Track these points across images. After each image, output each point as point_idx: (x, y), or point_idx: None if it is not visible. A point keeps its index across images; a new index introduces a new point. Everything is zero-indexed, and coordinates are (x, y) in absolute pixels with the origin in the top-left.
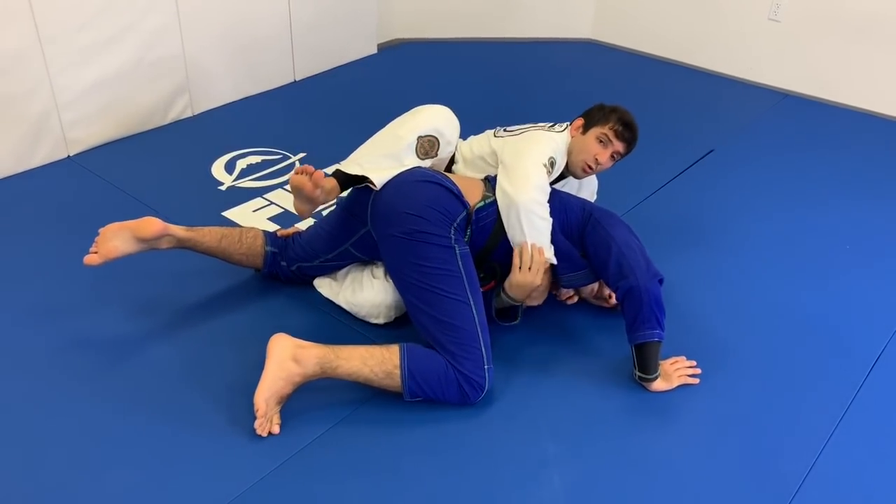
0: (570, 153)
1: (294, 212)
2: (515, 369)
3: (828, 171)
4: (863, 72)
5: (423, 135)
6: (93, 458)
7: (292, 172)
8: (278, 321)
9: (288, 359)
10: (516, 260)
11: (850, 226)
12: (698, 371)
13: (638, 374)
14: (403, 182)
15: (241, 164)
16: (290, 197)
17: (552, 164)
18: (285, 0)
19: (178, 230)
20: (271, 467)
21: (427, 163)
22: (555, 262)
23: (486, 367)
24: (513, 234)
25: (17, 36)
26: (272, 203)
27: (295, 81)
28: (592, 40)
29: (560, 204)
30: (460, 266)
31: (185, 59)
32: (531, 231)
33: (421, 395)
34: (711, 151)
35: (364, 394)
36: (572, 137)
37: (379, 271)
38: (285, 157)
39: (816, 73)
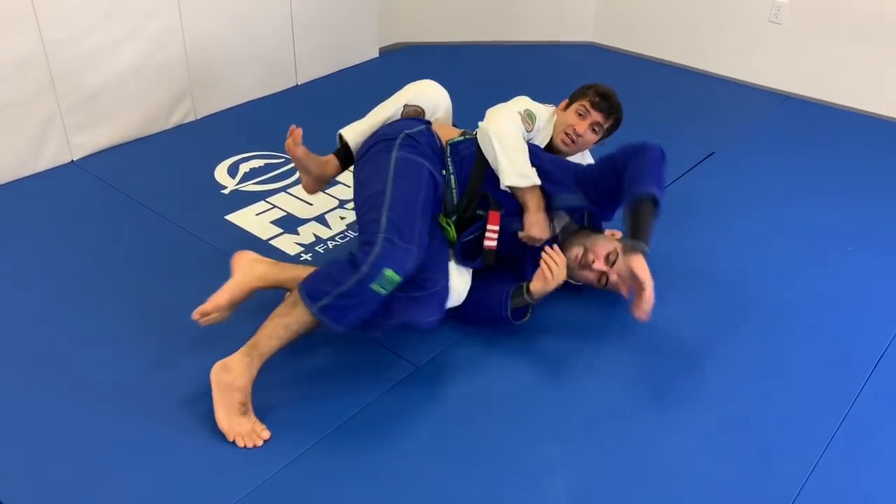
0: (554, 130)
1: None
2: (518, 369)
3: (829, 173)
4: (864, 73)
5: (409, 104)
6: (92, 464)
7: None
8: None
9: (219, 372)
10: (543, 268)
11: (852, 227)
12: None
13: (629, 241)
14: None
15: (244, 168)
16: (294, 201)
17: (529, 116)
18: (287, 4)
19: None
20: (273, 471)
21: None
22: (537, 182)
23: (380, 234)
24: (491, 161)
25: (21, 41)
26: (275, 206)
27: (297, 85)
28: (593, 43)
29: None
30: (391, 158)
31: (187, 64)
32: (505, 150)
33: (315, 290)
34: (713, 154)
35: (364, 398)
36: (559, 114)
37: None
38: (288, 161)
39: (817, 75)
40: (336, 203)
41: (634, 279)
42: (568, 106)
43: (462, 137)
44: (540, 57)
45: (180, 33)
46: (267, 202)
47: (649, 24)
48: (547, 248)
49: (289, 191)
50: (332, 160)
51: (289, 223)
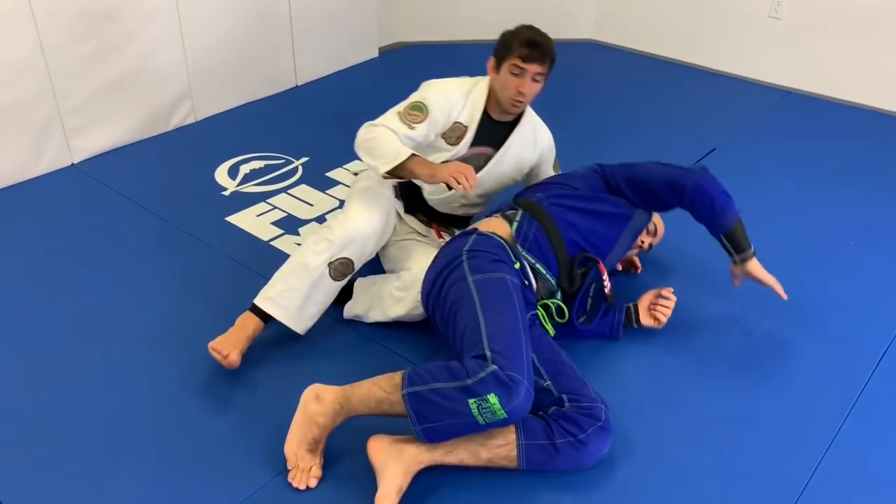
0: (495, 94)
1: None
2: None
3: (830, 168)
4: (864, 68)
5: (335, 259)
6: (92, 465)
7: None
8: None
9: (310, 400)
10: (660, 317)
11: (855, 221)
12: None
13: (738, 257)
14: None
15: (244, 170)
16: (295, 202)
17: (416, 107)
18: (286, 5)
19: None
20: (273, 474)
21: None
22: (408, 153)
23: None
24: (375, 172)
25: (19, 45)
26: (276, 207)
27: (297, 86)
28: (593, 40)
29: (570, 183)
30: (469, 285)
31: (186, 66)
32: (369, 152)
33: (416, 374)
34: (713, 150)
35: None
36: (491, 78)
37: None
38: (288, 162)
39: (817, 70)
40: (336, 203)
41: (760, 282)
42: (498, 66)
43: (513, 221)
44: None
45: (179, 35)
46: (267, 203)
47: (649, 21)
48: (664, 293)
49: (289, 192)
50: (251, 325)
51: (289, 224)
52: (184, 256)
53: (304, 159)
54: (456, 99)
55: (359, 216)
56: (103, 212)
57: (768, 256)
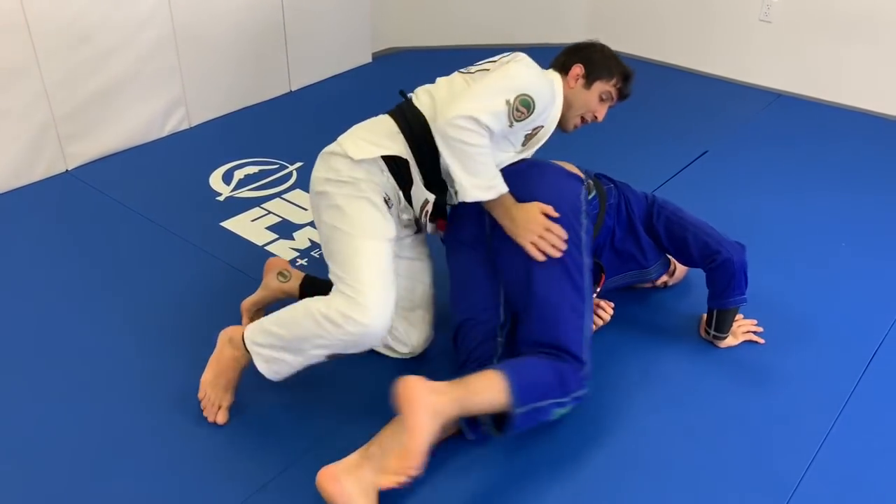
0: (565, 105)
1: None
2: None
3: (822, 169)
4: (854, 70)
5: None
6: (89, 466)
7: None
8: None
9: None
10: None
11: (846, 222)
12: (760, 329)
13: (713, 332)
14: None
15: (239, 175)
16: (289, 206)
17: (524, 103)
18: (279, 11)
19: None
20: (274, 474)
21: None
22: (504, 189)
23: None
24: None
25: (13, 51)
26: (270, 212)
27: (291, 92)
28: None
29: (622, 196)
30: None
31: (181, 72)
32: (471, 170)
33: (525, 418)
34: (706, 152)
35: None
36: (571, 88)
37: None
38: (283, 167)
39: (808, 72)
40: None
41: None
42: (588, 82)
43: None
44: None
45: (173, 41)
46: (262, 208)
47: (641, 25)
48: (603, 304)
49: (283, 196)
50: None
51: (284, 229)
52: (179, 262)
53: (298, 164)
54: (551, 99)
55: (377, 307)
56: (98, 218)
57: (760, 256)
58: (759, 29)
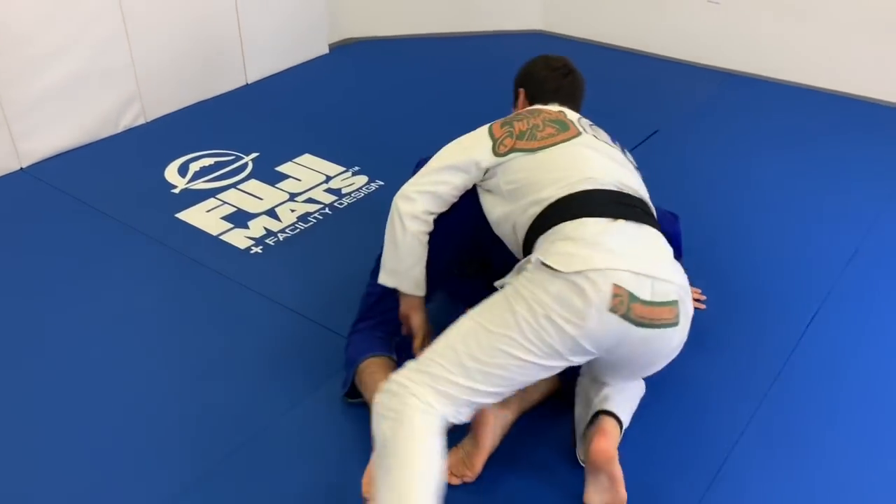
0: None
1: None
2: None
3: (769, 145)
4: (801, 48)
5: None
6: (91, 475)
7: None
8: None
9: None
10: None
11: (791, 194)
12: (703, 297)
13: None
14: None
15: (195, 167)
16: (244, 196)
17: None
18: (233, 3)
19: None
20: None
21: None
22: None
23: None
24: None
25: None
26: (225, 203)
27: (247, 84)
28: (542, 31)
29: None
30: None
31: (134, 67)
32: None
33: None
34: (656, 132)
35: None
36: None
37: None
38: (238, 158)
39: (756, 51)
40: (286, 196)
41: None
42: (532, 102)
43: None
44: (490, 47)
45: (125, 37)
46: (217, 199)
47: (595, 10)
48: None
49: (238, 187)
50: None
51: (239, 218)
52: (135, 254)
53: (254, 155)
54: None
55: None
56: (53, 215)
57: (708, 231)
58: (707, 10)
